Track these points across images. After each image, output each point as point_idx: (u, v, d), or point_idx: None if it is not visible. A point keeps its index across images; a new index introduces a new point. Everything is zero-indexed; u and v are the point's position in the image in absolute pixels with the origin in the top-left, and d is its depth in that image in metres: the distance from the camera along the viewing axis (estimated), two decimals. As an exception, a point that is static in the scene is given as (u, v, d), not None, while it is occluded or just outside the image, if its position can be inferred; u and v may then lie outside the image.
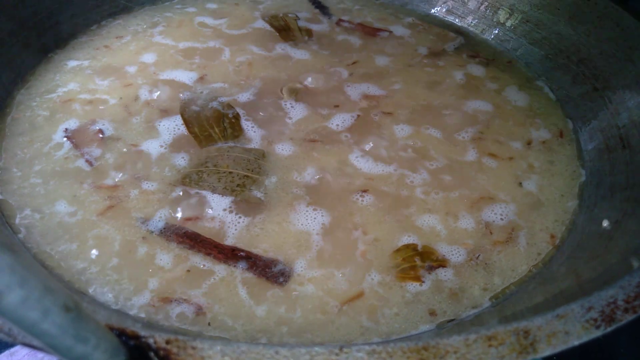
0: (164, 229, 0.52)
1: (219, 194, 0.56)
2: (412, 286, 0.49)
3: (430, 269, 0.51)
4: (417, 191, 0.58)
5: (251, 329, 0.45)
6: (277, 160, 0.60)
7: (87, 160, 0.58)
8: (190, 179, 0.57)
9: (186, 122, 0.64)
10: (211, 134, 0.63)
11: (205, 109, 0.66)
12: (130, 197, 0.55)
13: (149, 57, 0.75)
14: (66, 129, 0.62)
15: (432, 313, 0.47)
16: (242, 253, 0.51)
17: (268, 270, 0.49)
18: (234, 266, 0.49)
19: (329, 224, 0.54)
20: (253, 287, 0.48)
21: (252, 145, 0.62)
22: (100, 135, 0.61)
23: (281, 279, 0.49)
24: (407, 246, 0.52)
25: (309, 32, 0.85)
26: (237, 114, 0.66)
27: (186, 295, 0.47)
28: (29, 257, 0.49)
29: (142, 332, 0.28)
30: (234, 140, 0.62)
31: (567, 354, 0.30)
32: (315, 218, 0.54)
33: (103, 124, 0.63)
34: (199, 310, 0.46)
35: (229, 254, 0.50)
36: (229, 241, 0.52)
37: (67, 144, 0.61)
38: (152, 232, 0.52)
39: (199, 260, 0.50)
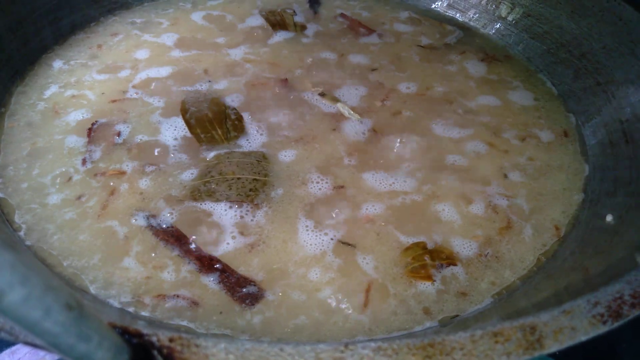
0: (161, 227, 0.52)
1: (234, 201, 0.54)
2: (423, 285, 0.49)
3: (440, 267, 0.50)
4: (423, 193, 0.58)
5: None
6: (280, 163, 0.59)
7: (84, 160, 0.58)
8: (200, 192, 0.55)
9: (188, 123, 0.62)
10: (214, 136, 0.61)
11: (206, 110, 0.64)
12: (130, 196, 0.55)
13: (145, 54, 0.75)
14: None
15: (439, 310, 0.47)
16: (218, 265, 0.48)
17: (237, 289, 0.47)
18: (205, 277, 0.48)
19: (338, 228, 0.53)
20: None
21: (251, 148, 0.60)
22: (117, 137, 0.61)
23: (248, 301, 0.46)
24: (416, 244, 0.52)
25: (303, 28, 0.84)
26: (240, 114, 0.64)
27: (182, 293, 0.47)
28: (29, 255, 0.48)
29: (145, 330, 0.27)
30: (236, 140, 0.61)
31: (569, 347, 0.29)
32: (322, 223, 0.54)
33: (105, 122, 0.63)
34: (193, 306, 0.46)
35: (206, 263, 0.49)
36: (227, 252, 0.50)
37: (68, 141, 0.60)
38: (155, 229, 0.51)
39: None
